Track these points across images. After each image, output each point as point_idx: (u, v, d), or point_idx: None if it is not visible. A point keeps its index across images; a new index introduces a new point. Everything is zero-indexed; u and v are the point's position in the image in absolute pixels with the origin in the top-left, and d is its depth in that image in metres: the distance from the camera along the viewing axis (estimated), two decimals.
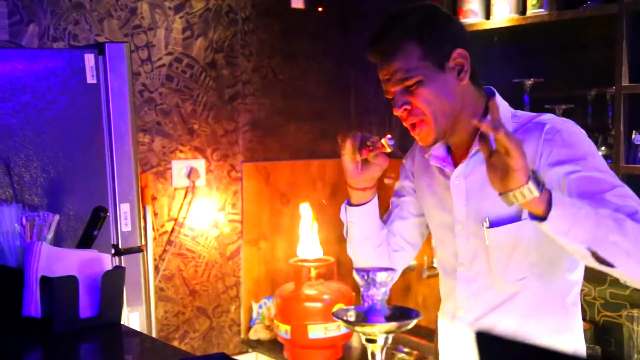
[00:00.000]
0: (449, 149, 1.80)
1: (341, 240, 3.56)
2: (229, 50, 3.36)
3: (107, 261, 1.95)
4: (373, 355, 1.41)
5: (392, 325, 1.39)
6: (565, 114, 2.69)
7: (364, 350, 3.56)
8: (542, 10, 2.68)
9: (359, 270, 1.41)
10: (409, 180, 1.92)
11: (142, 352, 1.84)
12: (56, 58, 2.21)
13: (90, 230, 2.01)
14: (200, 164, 3.29)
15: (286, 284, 3.20)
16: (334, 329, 3.04)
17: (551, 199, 1.40)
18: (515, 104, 2.77)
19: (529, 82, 2.75)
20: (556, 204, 1.40)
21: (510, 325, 1.72)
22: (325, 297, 3.05)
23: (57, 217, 1.99)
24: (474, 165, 1.72)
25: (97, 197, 2.24)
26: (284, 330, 3.07)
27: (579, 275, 1.74)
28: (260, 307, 3.41)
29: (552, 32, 2.81)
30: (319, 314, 3.02)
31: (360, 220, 1.84)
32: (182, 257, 3.26)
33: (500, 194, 1.42)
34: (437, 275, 3.25)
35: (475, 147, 1.71)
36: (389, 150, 1.71)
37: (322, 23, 3.64)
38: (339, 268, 3.28)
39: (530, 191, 1.38)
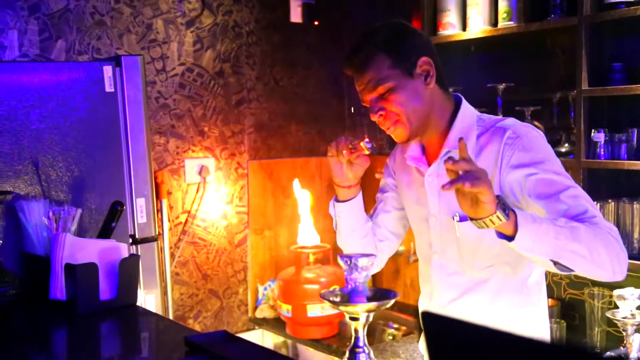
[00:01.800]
0: (423, 149, 1.81)
1: None
2: (235, 61, 3.38)
3: (124, 249, 1.97)
4: (356, 331, 1.42)
5: (373, 305, 1.41)
6: (534, 115, 2.69)
7: None
8: (511, 22, 2.67)
9: (342, 257, 1.44)
10: (391, 177, 1.93)
11: (156, 329, 1.86)
12: (78, 70, 2.23)
13: (109, 222, 2.03)
14: (210, 162, 3.30)
15: (288, 268, 3.21)
16: (330, 308, 3.05)
17: (517, 220, 1.40)
18: (490, 106, 2.78)
19: (501, 87, 2.75)
20: (521, 225, 1.40)
21: (480, 305, 1.73)
22: (322, 279, 3.07)
23: (79, 210, 2.02)
24: (440, 163, 1.73)
25: (115, 192, 2.26)
26: (285, 310, 3.08)
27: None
28: (265, 289, 3.43)
29: (521, 42, 2.80)
30: (317, 294, 3.03)
31: (346, 214, 1.86)
32: (195, 245, 3.29)
33: (470, 219, 1.42)
34: None
35: (445, 149, 1.72)
36: (366, 152, 1.73)
37: (318, 35, 3.64)
38: (335, 253, 3.30)
39: (499, 218, 1.38)
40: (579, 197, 1.54)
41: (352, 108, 3.74)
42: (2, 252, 1.87)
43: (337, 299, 1.47)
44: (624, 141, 2.40)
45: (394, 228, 1.93)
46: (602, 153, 2.42)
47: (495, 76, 2.86)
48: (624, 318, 2.19)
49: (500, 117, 1.76)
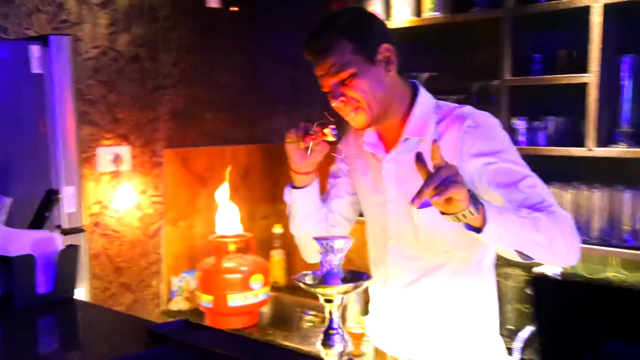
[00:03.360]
0: (379, 136, 1.82)
1: (255, 217, 3.57)
2: (151, 45, 3.28)
3: (59, 241, 1.87)
4: (330, 313, 1.41)
5: (348, 286, 1.40)
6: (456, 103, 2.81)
7: (276, 315, 3.58)
8: (436, 13, 2.75)
9: (318, 239, 1.42)
10: (344, 163, 1.94)
11: (107, 322, 1.79)
12: (2, 49, 2.09)
13: (42, 211, 1.93)
14: (124, 150, 3.19)
15: (207, 259, 3.15)
16: (252, 297, 3.03)
17: (485, 213, 1.43)
18: None
19: (425, 76, 2.82)
20: (489, 218, 1.43)
21: (437, 287, 1.76)
22: (243, 268, 3.04)
23: (10, 200, 1.90)
24: (404, 152, 1.74)
25: (43, 180, 2.14)
26: (206, 300, 3.02)
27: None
28: (180, 280, 3.36)
29: (445, 32, 2.89)
30: (238, 284, 3.01)
31: (303, 200, 1.86)
32: (107, 237, 3.16)
33: (442, 213, 1.44)
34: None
35: (405, 136, 1.74)
36: (332, 139, 1.74)
37: (236, 21, 3.60)
38: (256, 242, 3.28)
39: (471, 213, 1.40)
40: (536, 186, 1.59)
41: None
42: None
43: (311, 282, 1.46)
44: (542, 129, 2.56)
45: (346, 213, 1.94)
46: (522, 140, 2.56)
47: (419, 65, 2.93)
48: None
49: (456, 104, 1.78)
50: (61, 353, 1.57)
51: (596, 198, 2.42)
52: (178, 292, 3.34)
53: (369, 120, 1.72)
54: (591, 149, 2.36)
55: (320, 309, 3.38)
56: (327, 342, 1.44)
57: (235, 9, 3.58)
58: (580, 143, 2.41)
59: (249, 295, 3.02)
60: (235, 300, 2.99)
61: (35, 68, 2.10)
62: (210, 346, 1.45)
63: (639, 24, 2.40)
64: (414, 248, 1.77)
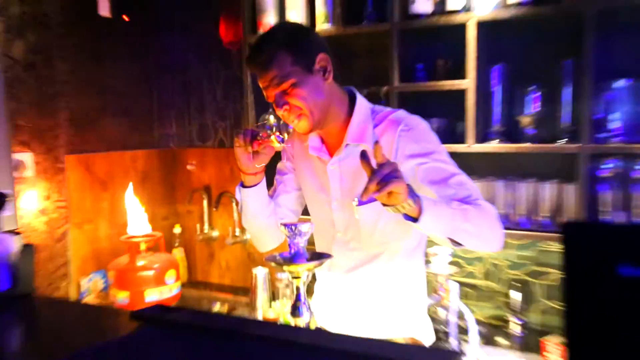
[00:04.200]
0: (322, 140, 1.93)
1: (156, 218, 3.69)
2: (47, 53, 3.30)
3: (12, 240, 1.95)
4: (297, 288, 1.59)
5: (313, 264, 1.57)
6: None
7: (188, 307, 3.70)
8: (329, 25, 2.91)
9: (287, 225, 1.57)
10: (290, 161, 2.06)
11: (62, 315, 1.86)
12: None
13: None
14: (26, 157, 3.21)
15: (120, 258, 3.24)
16: (167, 292, 3.16)
17: (421, 204, 1.53)
18: None
19: None
20: (425, 209, 1.53)
21: (375, 272, 1.91)
22: (156, 265, 3.15)
23: None
24: (347, 155, 1.86)
25: None
26: (122, 297, 3.11)
27: (422, 234, 1.87)
28: (89, 281, 3.42)
29: (337, 43, 3.02)
30: (153, 280, 3.12)
31: (252, 198, 1.95)
32: None
33: (384, 205, 1.53)
34: (239, 242, 3.52)
35: (347, 142, 1.86)
36: (277, 144, 1.84)
37: (128, 29, 3.67)
38: (165, 241, 3.41)
39: (409, 205, 1.50)
40: (463, 182, 1.71)
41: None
42: None
43: (282, 262, 1.66)
44: None
45: (293, 206, 2.06)
46: None
47: None
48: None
49: (390, 109, 1.92)
50: (45, 344, 1.63)
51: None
52: (87, 292, 3.40)
53: (311, 126, 1.82)
54: (470, 146, 2.62)
55: (224, 300, 3.60)
56: (295, 312, 1.63)
57: (126, 18, 3.66)
58: (460, 140, 2.65)
59: (164, 290, 3.14)
60: (152, 295, 3.11)
61: None
62: (191, 322, 1.57)
63: (505, 38, 2.69)
64: (356, 239, 1.90)
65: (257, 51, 1.81)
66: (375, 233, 1.87)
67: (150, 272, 3.14)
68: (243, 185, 1.95)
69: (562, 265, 0.82)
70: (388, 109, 1.91)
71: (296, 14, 3.04)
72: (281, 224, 1.60)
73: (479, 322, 2.89)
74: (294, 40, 1.80)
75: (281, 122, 2.97)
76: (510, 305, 2.85)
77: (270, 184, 2.10)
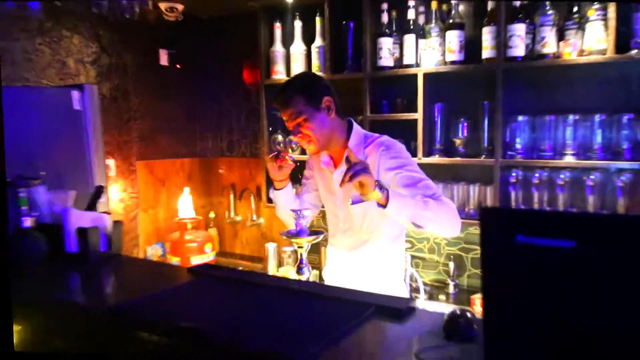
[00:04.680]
0: (330, 157, 1.91)
1: (197, 207, 3.74)
2: (124, 90, 3.36)
3: (107, 218, 2.02)
4: (301, 255, 1.63)
5: (312, 237, 1.62)
6: None
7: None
8: (321, 73, 2.93)
9: (295, 210, 1.62)
10: (311, 170, 2.03)
11: (143, 269, 1.94)
12: (53, 93, 2.19)
13: (94, 199, 2.06)
14: (111, 162, 3.27)
15: (173, 233, 3.28)
16: (205, 258, 3.19)
17: (389, 195, 1.52)
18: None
19: None
20: (391, 198, 1.52)
21: (368, 251, 1.89)
22: (198, 239, 3.20)
23: (74, 192, 2.02)
24: (345, 169, 1.77)
25: (83, 183, 2.26)
26: (175, 261, 3.17)
27: (402, 226, 1.86)
28: (151, 249, 3.47)
29: None
30: (196, 249, 3.17)
31: (281, 197, 1.94)
32: None
33: (361, 194, 1.54)
34: (256, 224, 3.57)
35: (344, 158, 1.72)
36: (290, 163, 1.86)
37: (179, 74, 3.70)
38: (204, 223, 3.47)
39: (377, 194, 1.50)
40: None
41: (271, 128, 3.87)
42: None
43: (290, 235, 1.66)
44: None
45: (314, 202, 2.03)
46: None
47: None
48: None
49: (378, 135, 1.86)
50: (132, 286, 1.71)
51: None
52: (150, 257, 3.45)
53: (317, 149, 1.79)
54: (420, 159, 2.66)
55: (244, 266, 3.65)
56: (299, 271, 1.67)
57: (179, 66, 3.72)
58: (414, 155, 2.64)
59: (203, 257, 3.19)
60: (195, 260, 3.14)
61: (76, 106, 2.21)
62: (230, 276, 1.65)
63: (443, 85, 2.74)
64: (351, 229, 1.90)
65: (280, 94, 1.78)
66: (364, 224, 1.86)
67: (194, 244, 3.18)
68: (275, 188, 1.93)
69: (480, 239, 0.86)
70: (377, 135, 1.86)
71: (298, 65, 3.08)
72: (290, 209, 1.64)
73: (425, 284, 2.91)
74: (307, 87, 1.77)
75: (287, 138, 3.07)
76: (448, 272, 2.87)
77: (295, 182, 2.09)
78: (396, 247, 1.92)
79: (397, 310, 1.23)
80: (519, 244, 0.81)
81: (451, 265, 2.86)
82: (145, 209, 3.48)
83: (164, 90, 3.61)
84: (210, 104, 3.85)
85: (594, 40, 2.25)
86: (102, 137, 2.29)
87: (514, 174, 2.48)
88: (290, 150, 1.95)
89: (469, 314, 1.10)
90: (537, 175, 2.41)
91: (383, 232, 1.86)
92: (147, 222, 3.50)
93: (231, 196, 3.75)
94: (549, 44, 2.38)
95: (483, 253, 0.86)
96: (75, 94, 2.20)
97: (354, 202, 1.83)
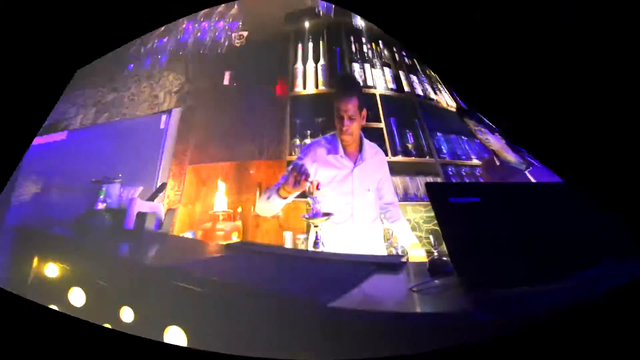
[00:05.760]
0: (346, 153, 2.05)
1: (227, 202, 3.77)
2: (193, 109, 3.49)
3: (161, 207, 2.14)
4: (316, 232, 1.84)
5: (325, 218, 1.90)
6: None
7: None
8: (323, 87, 3.10)
9: (311, 197, 1.89)
10: (313, 163, 2.05)
11: (186, 245, 2.04)
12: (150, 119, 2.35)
13: (157, 193, 2.20)
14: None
15: (205, 223, 3.53)
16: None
17: None
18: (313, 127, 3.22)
19: (321, 120, 3.11)
20: None
21: (370, 227, 2.06)
22: (227, 228, 3.44)
23: (141, 188, 2.14)
24: (361, 162, 2.04)
25: (150, 181, 2.39)
26: None
27: (377, 211, 2.10)
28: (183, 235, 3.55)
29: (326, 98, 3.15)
30: (224, 237, 3.36)
31: (279, 205, 1.96)
32: None
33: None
34: (275, 217, 3.61)
35: (363, 156, 2.03)
36: (316, 190, 1.85)
37: (233, 91, 3.82)
38: (234, 215, 3.56)
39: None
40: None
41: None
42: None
43: (307, 217, 1.82)
44: None
45: None
46: None
47: (317, 113, 3.21)
48: None
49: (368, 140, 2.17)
50: (181, 255, 1.79)
51: (396, 181, 2.96)
52: None
53: (351, 142, 2.00)
54: (391, 158, 2.94)
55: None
56: (315, 245, 1.83)
57: (236, 84, 3.78)
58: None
59: (230, 244, 3.25)
60: None
61: (161, 126, 2.33)
62: (267, 250, 1.75)
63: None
64: (352, 218, 2.09)
65: (345, 92, 1.94)
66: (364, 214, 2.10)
67: (222, 233, 3.35)
68: (280, 196, 1.93)
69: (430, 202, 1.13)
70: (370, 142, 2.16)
71: (311, 80, 3.29)
72: (309, 197, 1.90)
73: None
74: (362, 94, 2.00)
75: (302, 142, 3.11)
76: (430, 243, 2.93)
77: None
78: (376, 224, 2.12)
79: (392, 264, 1.32)
80: (451, 202, 1.18)
81: (431, 237, 2.92)
82: (186, 203, 3.77)
83: (221, 106, 3.78)
84: (247, 116, 3.92)
85: None
86: (174, 146, 2.42)
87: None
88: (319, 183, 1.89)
89: (444, 257, 1.23)
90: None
91: (377, 217, 2.10)
92: (185, 215, 3.83)
93: (257, 193, 3.74)
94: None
95: (435, 211, 1.06)
96: (163, 117, 2.34)
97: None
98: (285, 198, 1.89)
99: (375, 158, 2.05)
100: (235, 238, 3.38)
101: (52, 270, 1.54)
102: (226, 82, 3.66)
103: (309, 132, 3.27)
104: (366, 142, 2.06)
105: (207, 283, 1.31)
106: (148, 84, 3.13)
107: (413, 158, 2.94)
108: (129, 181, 2.29)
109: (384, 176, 2.06)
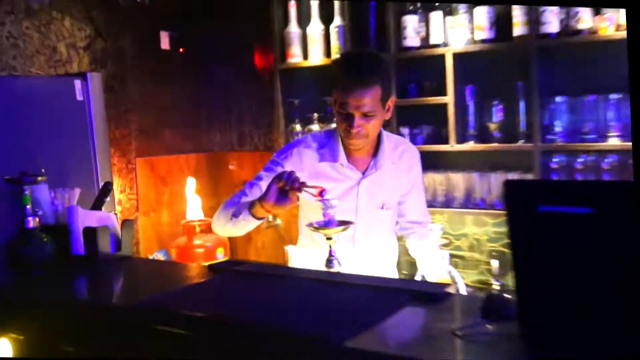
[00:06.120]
0: (350, 160, 1.93)
1: (203, 208, 3.92)
2: (122, 78, 3.58)
3: (114, 218, 2.21)
4: (330, 246, 1.77)
5: (341, 228, 1.74)
6: None
7: None
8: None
9: (322, 200, 1.73)
10: (283, 168, 1.91)
11: (158, 270, 2.12)
12: (53, 82, 2.39)
13: (101, 198, 2.25)
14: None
15: (179, 238, 3.49)
16: None
17: None
18: (324, 111, 3.28)
19: (330, 98, 3.18)
20: None
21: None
22: (208, 244, 3.41)
23: (79, 190, 2.22)
24: (374, 171, 1.95)
25: (86, 179, 2.46)
26: None
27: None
28: (153, 257, 3.66)
29: None
30: (207, 255, 3.37)
31: (252, 226, 1.88)
32: None
33: None
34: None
35: (379, 162, 1.91)
36: (318, 199, 1.75)
37: (182, 60, 3.92)
38: None
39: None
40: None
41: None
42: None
43: (318, 226, 1.81)
44: (419, 133, 3.09)
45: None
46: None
47: (327, 91, 3.24)
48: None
49: (393, 135, 2.06)
50: (150, 287, 1.88)
51: (457, 178, 2.99)
52: None
53: (362, 146, 1.86)
54: (452, 146, 2.91)
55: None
56: (328, 264, 1.82)
57: (181, 50, 3.92)
58: (444, 142, 2.93)
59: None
60: None
61: (79, 97, 2.41)
62: (264, 272, 1.80)
63: (475, 65, 2.95)
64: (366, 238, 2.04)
65: (361, 74, 1.75)
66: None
67: (203, 250, 3.38)
68: (254, 215, 1.81)
69: (504, 208, 1.03)
70: (394, 135, 2.08)
71: (317, 47, 3.28)
72: (317, 200, 1.76)
73: (466, 285, 3.01)
74: (387, 78, 1.80)
75: (306, 128, 3.23)
76: (491, 271, 3.03)
77: None
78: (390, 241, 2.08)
79: (432, 295, 1.39)
80: (540, 212, 1.00)
81: (494, 263, 3.01)
82: (146, 212, 3.70)
83: (166, 78, 3.81)
84: (217, 93, 4.05)
85: None
86: (107, 130, 2.48)
87: (555, 160, 2.69)
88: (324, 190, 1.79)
89: (506, 295, 1.27)
90: (580, 160, 2.61)
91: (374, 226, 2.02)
92: (148, 227, 3.72)
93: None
94: (584, 19, 2.61)
95: (509, 225, 1.04)
96: (77, 83, 2.39)
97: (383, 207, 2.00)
98: (261, 218, 1.80)
99: (400, 163, 1.93)
100: (220, 256, 3.35)
101: None
102: (165, 46, 3.71)
103: (315, 115, 3.29)
104: (386, 139, 1.92)
105: (190, 321, 1.38)
106: (33, 26, 2.99)
107: (494, 145, 2.79)
108: (58, 179, 2.17)
109: (413, 186, 1.97)
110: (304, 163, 1.93)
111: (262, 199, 1.73)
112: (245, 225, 1.85)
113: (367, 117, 1.77)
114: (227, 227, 1.90)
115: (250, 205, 1.79)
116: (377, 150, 1.94)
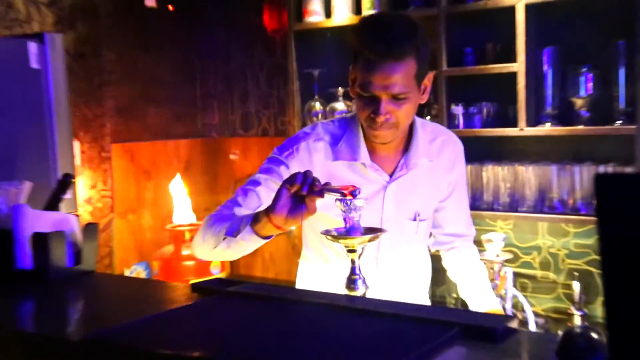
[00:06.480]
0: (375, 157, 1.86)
1: (198, 209, 3.88)
2: (95, 43, 3.52)
3: (74, 221, 2.14)
4: (353, 261, 1.66)
5: (367, 237, 1.61)
6: None
7: None
8: (374, 11, 3.03)
9: (342, 200, 1.58)
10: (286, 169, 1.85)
11: (132, 289, 2.05)
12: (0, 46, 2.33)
13: (58, 194, 2.18)
14: (75, 145, 3.40)
15: (164, 247, 3.43)
16: None
17: None
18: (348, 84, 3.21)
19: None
20: None
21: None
22: None
23: (30, 184, 2.15)
24: (405, 172, 1.86)
25: (41, 168, 2.39)
26: None
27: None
28: (131, 272, 3.61)
29: None
30: (199, 270, 3.32)
31: (252, 247, 1.72)
32: None
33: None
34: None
35: (412, 160, 1.84)
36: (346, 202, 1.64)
37: (172, 20, 3.89)
38: None
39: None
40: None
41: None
42: None
43: (338, 234, 1.73)
44: (477, 113, 2.98)
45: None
46: (460, 123, 2.97)
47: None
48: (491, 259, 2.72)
49: (430, 122, 1.97)
50: (115, 313, 1.82)
51: (528, 172, 2.85)
52: None
53: (393, 138, 1.78)
54: (522, 129, 2.78)
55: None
56: (350, 285, 1.74)
57: (171, 8, 3.86)
58: (512, 124, 2.82)
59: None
60: None
61: (33, 64, 2.35)
62: (271, 294, 1.72)
63: (555, 20, 2.85)
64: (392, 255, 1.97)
65: (391, 44, 1.64)
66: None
67: (193, 262, 3.31)
68: (258, 234, 1.65)
69: (595, 214, 0.93)
70: (431, 122, 1.97)
71: (342, 2, 3.20)
72: (336, 200, 1.63)
73: (537, 314, 2.95)
74: (423, 49, 1.67)
75: (327, 107, 3.15)
76: (571, 297, 2.88)
77: None
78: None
79: (490, 330, 1.29)
80: None
81: (575, 286, 2.89)
82: (123, 213, 3.64)
83: (151, 43, 3.78)
84: (215, 62, 4.03)
85: None
86: (69, 108, 2.41)
87: None
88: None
89: (592, 334, 1.14)
90: None
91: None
92: (126, 233, 3.66)
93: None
94: None
95: (600, 235, 0.92)
96: (32, 47, 2.32)
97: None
98: (268, 237, 1.65)
99: (439, 159, 1.88)
100: (216, 272, 3.32)
101: None
102: (150, 3, 3.69)
103: (340, 90, 3.23)
104: (421, 129, 1.85)
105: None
106: None
107: (580, 127, 2.69)
108: (3, 170, 2.14)
109: (454, 189, 1.94)
110: (313, 162, 1.84)
111: (269, 210, 1.58)
112: (244, 247, 1.71)
113: (398, 100, 1.67)
114: (217, 251, 1.75)
115: (253, 220, 1.63)
116: (408, 144, 1.86)
